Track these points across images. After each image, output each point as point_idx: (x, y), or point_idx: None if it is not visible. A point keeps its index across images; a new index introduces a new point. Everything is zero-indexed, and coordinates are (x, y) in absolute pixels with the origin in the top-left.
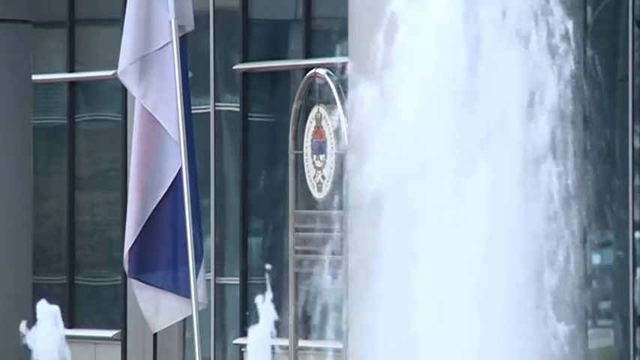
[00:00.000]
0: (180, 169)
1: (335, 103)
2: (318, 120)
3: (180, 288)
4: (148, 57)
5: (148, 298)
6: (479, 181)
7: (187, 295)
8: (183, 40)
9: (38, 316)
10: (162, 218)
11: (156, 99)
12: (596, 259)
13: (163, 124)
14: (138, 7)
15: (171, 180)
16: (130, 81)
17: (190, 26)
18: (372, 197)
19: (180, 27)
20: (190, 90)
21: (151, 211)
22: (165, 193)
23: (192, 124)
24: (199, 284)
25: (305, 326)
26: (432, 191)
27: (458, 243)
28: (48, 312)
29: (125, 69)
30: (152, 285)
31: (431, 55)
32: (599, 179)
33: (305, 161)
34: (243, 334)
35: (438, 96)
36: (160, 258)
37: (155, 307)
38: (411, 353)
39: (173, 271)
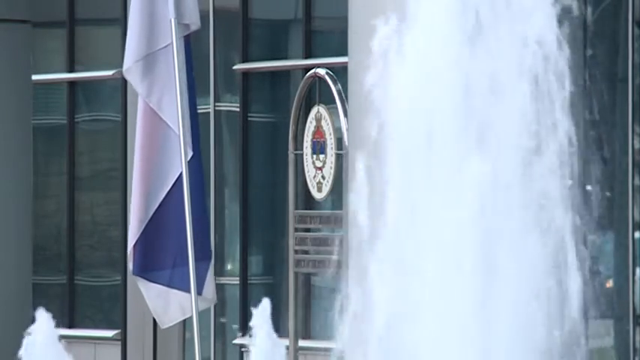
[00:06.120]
0: (185, 165)
1: (335, 103)
2: (318, 120)
3: (188, 285)
4: (152, 55)
5: (157, 296)
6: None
7: (197, 292)
8: (187, 39)
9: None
10: (169, 215)
11: (160, 97)
12: (597, 259)
13: (168, 122)
14: (142, 5)
15: (176, 177)
16: (134, 79)
17: (195, 25)
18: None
19: (185, 25)
20: (196, 88)
21: (155, 208)
22: (171, 191)
23: (198, 121)
24: (208, 281)
25: (305, 326)
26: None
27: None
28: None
29: (130, 67)
30: (159, 283)
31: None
32: (599, 179)
33: (305, 161)
34: (244, 334)
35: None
36: (167, 256)
37: (164, 304)
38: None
39: (181, 268)
